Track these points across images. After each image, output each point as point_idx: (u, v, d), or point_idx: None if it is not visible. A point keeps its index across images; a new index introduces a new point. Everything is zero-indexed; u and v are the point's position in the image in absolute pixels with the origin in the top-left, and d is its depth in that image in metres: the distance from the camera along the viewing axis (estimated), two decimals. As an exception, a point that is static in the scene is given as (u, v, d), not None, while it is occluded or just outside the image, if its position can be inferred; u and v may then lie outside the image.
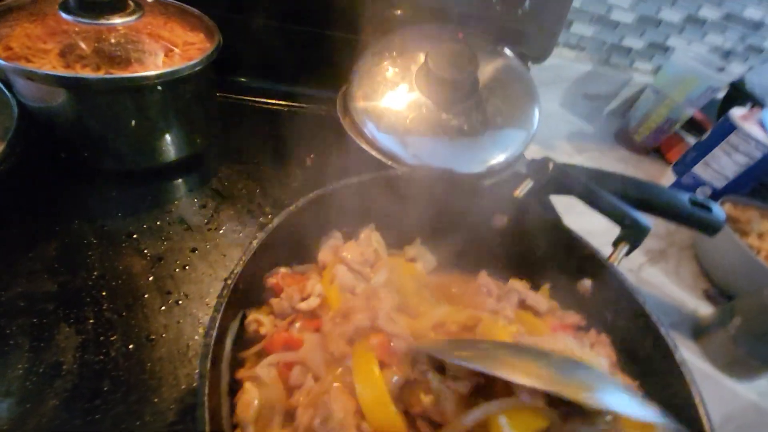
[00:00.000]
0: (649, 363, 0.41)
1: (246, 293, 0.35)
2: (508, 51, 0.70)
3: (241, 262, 0.32)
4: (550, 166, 0.56)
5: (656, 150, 1.04)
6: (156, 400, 0.40)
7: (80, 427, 0.37)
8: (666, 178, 0.88)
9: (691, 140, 0.96)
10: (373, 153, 0.57)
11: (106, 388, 0.40)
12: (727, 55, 1.01)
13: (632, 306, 0.42)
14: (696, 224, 0.53)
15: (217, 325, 0.27)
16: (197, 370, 0.27)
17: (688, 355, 0.59)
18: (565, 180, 0.55)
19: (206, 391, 0.24)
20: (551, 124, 1.04)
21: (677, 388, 0.38)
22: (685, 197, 0.54)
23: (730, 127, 0.75)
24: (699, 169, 0.81)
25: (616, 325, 0.44)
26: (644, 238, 0.51)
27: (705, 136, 0.82)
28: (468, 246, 0.51)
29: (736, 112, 0.77)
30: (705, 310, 0.67)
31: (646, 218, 0.51)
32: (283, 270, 0.39)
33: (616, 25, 1.01)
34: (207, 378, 0.25)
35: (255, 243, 0.34)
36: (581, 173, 0.59)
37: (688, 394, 0.37)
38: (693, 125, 0.98)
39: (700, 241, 0.75)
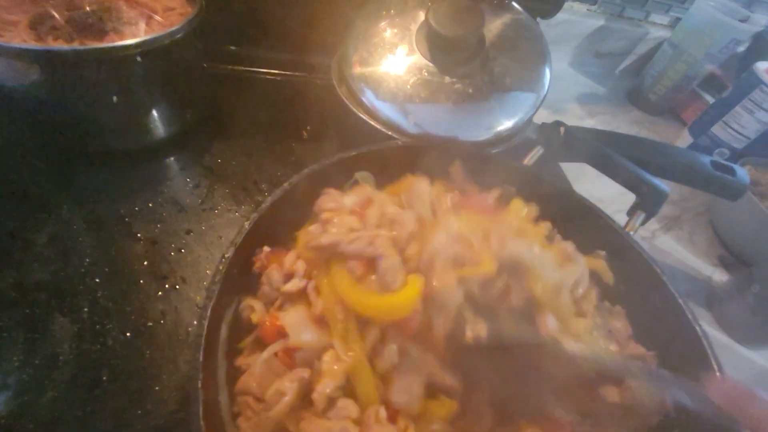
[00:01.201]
0: (667, 334, 0.39)
1: (241, 278, 0.33)
2: (515, 4, 0.64)
3: (233, 246, 0.29)
4: (562, 130, 0.53)
5: (672, 110, 0.99)
6: (157, 388, 0.40)
7: (80, 418, 0.37)
8: (682, 139, 0.84)
9: (710, 99, 0.91)
10: (373, 123, 0.54)
11: (105, 378, 0.39)
12: (749, 3, 0.94)
13: (650, 277, 0.40)
14: (717, 189, 0.50)
15: (208, 315, 0.25)
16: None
17: (701, 323, 0.58)
18: (578, 145, 0.52)
19: (200, 385, 0.23)
20: (560, 86, 0.98)
21: (695, 359, 0.36)
22: (706, 159, 0.51)
23: (754, 82, 0.70)
24: (717, 130, 0.76)
25: (632, 296, 0.42)
26: (661, 206, 0.48)
27: (725, 94, 0.77)
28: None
29: (761, 66, 0.71)
30: (720, 277, 0.65)
31: (663, 183, 0.49)
32: (266, 249, 0.36)
33: (632, -26, 0.93)
34: (200, 371, 0.23)
35: (247, 225, 0.32)
36: (594, 137, 0.56)
37: (708, 366, 0.35)
38: (712, 82, 0.92)
39: (716, 206, 0.72)
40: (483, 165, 0.45)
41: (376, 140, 0.54)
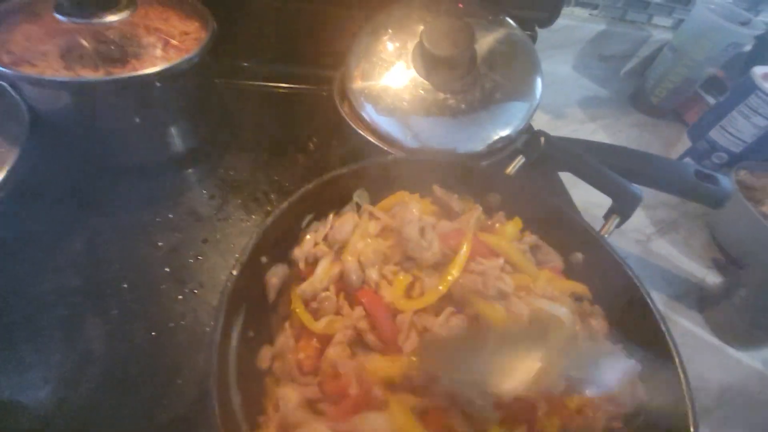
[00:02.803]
0: (638, 334, 0.41)
1: (248, 288, 0.37)
2: (509, 19, 0.67)
3: (238, 264, 0.34)
4: (542, 141, 0.55)
5: (675, 112, 1.00)
6: (179, 382, 0.44)
7: (113, 407, 0.42)
8: (682, 143, 0.85)
9: (712, 100, 0.91)
10: (371, 139, 0.57)
11: (133, 373, 0.44)
12: (755, 4, 0.94)
13: (621, 277, 0.43)
14: (700, 197, 0.52)
15: (220, 325, 0.29)
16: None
17: (692, 326, 0.60)
18: (558, 154, 0.55)
19: (216, 389, 0.27)
20: (563, 90, 1.00)
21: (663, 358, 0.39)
22: (690, 169, 0.53)
23: (750, 87, 0.71)
24: (715, 134, 0.78)
25: (607, 297, 0.45)
26: (635, 209, 0.50)
27: (723, 98, 0.78)
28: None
29: (758, 71, 0.72)
30: (712, 279, 0.66)
31: (638, 188, 0.51)
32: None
33: (633, -22, 0.94)
34: (216, 376, 0.27)
35: (251, 243, 0.36)
36: (578, 147, 0.58)
37: (673, 366, 0.37)
38: (714, 84, 0.93)
39: (713, 210, 0.73)
40: (468, 176, 0.49)
41: (375, 153, 0.58)
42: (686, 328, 0.60)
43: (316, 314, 0.40)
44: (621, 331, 0.42)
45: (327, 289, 0.40)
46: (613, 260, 0.41)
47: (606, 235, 0.46)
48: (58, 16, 0.52)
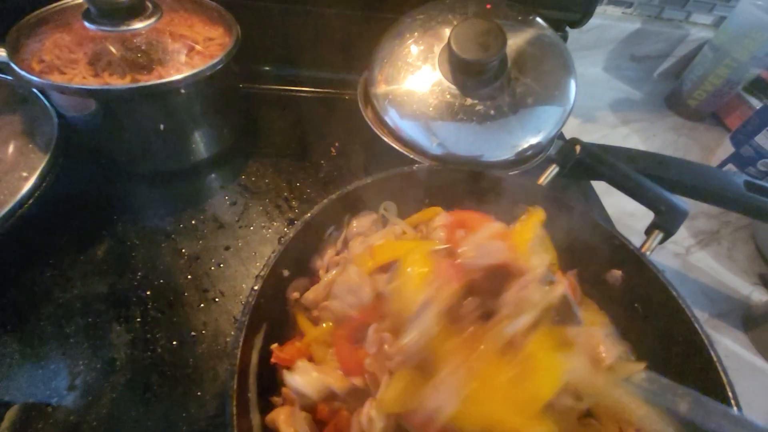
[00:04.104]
0: (683, 359, 0.39)
1: (269, 306, 0.36)
2: (539, 20, 0.64)
3: (260, 279, 0.33)
4: (577, 149, 0.53)
5: (714, 115, 0.94)
6: (199, 393, 0.44)
7: (134, 418, 0.42)
8: (723, 149, 0.80)
9: (757, 103, 0.86)
10: (395, 145, 0.56)
11: (155, 382, 0.44)
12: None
13: (667, 299, 0.40)
14: (753, 211, 0.48)
15: (240, 344, 0.28)
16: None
17: (736, 346, 0.56)
18: (594, 164, 0.52)
19: (234, 411, 0.26)
20: (593, 92, 0.96)
21: (712, 386, 0.36)
22: (740, 180, 0.50)
23: (804, 90, 0.66)
24: (762, 139, 0.72)
25: (649, 319, 0.42)
26: (680, 225, 0.47)
27: (772, 100, 0.73)
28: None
29: (812, 72, 0.67)
30: (759, 297, 0.62)
31: (684, 202, 0.47)
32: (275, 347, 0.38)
33: (671, -27, 0.89)
34: (234, 399, 0.26)
35: (273, 256, 0.35)
36: (615, 155, 0.55)
37: (723, 393, 0.35)
38: (759, 86, 0.87)
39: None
40: (497, 186, 0.46)
41: (398, 160, 0.57)
42: (730, 349, 0.56)
43: (317, 323, 0.40)
44: (663, 358, 0.39)
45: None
46: (658, 282, 0.38)
47: (648, 253, 0.43)
48: (87, 24, 0.52)
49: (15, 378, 0.43)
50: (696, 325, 0.37)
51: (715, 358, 0.36)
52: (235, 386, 0.27)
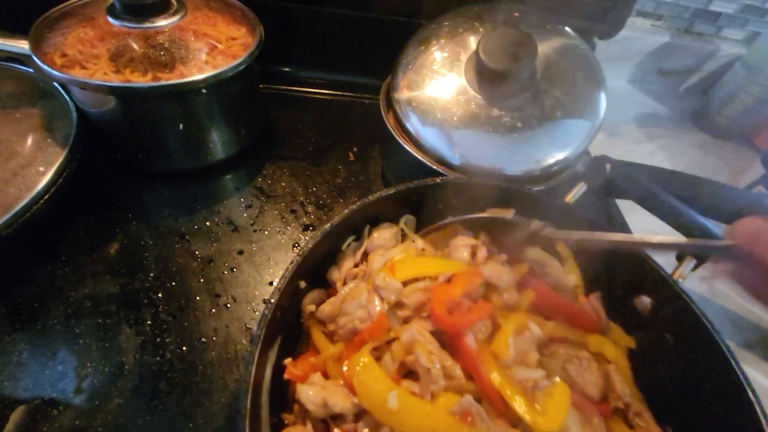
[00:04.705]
0: (716, 397, 0.37)
1: (284, 319, 0.35)
2: (569, 29, 0.62)
3: (277, 291, 0.31)
4: (608, 167, 0.51)
5: (743, 135, 0.91)
6: (207, 403, 0.43)
7: (140, 426, 0.41)
8: (753, 170, 0.77)
9: (789, 124, 0.83)
10: (416, 154, 0.54)
11: (162, 390, 0.43)
12: None
13: (700, 331, 0.38)
14: (790, 239, 0.46)
15: (255, 360, 0.27)
16: (240, 403, 0.28)
17: (764, 380, 0.53)
18: (624, 183, 0.50)
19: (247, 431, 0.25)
20: (618, 106, 0.94)
21: (747, 427, 0.34)
22: (777, 206, 0.47)
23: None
24: (796, 162, 0.70)
25: (679, 349, 0.40)
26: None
27: (808, 122, 0.70)
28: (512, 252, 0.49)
29: None
30: (790, 327, 0.59)
31: (718, 227, 0.45)
32: (289, 362, 0.37)
33: (704, -13, 0.86)
34: (247, 419, 0.25)
35: (290, 267, 0.33)
36: (645, 174, 0.53)
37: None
38: (792, 106, 0.84)
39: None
40: (523, 201, 0.45)
41: (418, 168, 0.55)
42: (758, 383, 0.53)
43: (332, 337, 0.38)
44: (693, 393, 0.37)
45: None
46: (691, 313, 0.36)
47: (681, 280, 0.41)
48: (111, 20, 0.52)
49: (22, 377, 0.42)
50: (732, 363, 0.35)
51: (753, 399, 0.33)
52: (248, 405, 0.26)
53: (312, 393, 0.32)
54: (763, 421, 0.33)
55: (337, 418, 0.33)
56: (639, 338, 0.43)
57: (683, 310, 0.39)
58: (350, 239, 0.44)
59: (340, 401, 0.32)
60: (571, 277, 0.45)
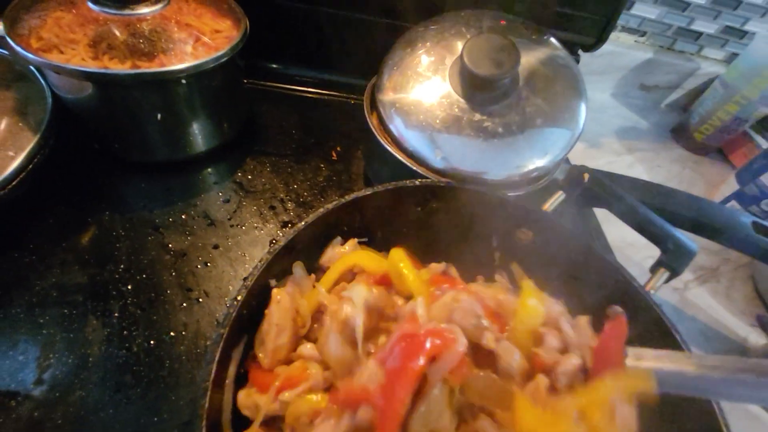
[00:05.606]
0: (681, 400, 0.37)
1: (252, 317, 0.34)
2: (554, 40, 0.63)
3: (244, 289, 0.31)
4: (586, 177, 0.51)
5: (719, 151, 0.94)
6: (173, 398, 0.42)
7: (103, 419, 0.39)
8: (727, 185, 0.79)
9: (763, 142, 0.85)
10: (398, 155, 0.54)
11: (128, 383, 0.42)
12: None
13: (668, 343, 0.39)
14: (758, 252, 0.47)
15: (217, 357, 0.27)
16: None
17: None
18: (601, 193, 0.51)
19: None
20: (600, 118, 0.96)
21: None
22: (747, 220, 0.48)
23: (812, 133, 0.66)
24: (767, 179, 0.72)
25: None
26: (687, 264, 0.46)
27: (779, 141, 0.73)
28: (486, 259, 0.49)
29: (822, 116, 0.67)
30: (756, 340, 0.61)
31: (691, 241, 0.46)
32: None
33: (686, 6, 0.89)
34: (203, 419, 0.24)
35: (259, 265, 0.33)
36: (622, 185, 0.54)
37: None
38: (767, 125, 0.87)
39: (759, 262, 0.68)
40: (500, 207, 0.45)
41: (400, 169, 0.55)
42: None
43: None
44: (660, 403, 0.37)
45: None
46: (662, 325, 0.37)
47: (652, 292, 0.42)
48: (91, 5, 0.51)
49: (-21, 366, 0.41)
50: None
51: (715, 408, 0.34)
52: (207, 404, 0.25)
53: (242, 396, 0.32)
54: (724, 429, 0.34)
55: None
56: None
57: (654, 322, 0.40)
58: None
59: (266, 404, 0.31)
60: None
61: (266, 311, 0.35)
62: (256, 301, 0.33)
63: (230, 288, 0.51)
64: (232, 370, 0.31)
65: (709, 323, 0.62)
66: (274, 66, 0.78)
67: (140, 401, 0.41)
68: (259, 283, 0.34)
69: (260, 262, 0.32)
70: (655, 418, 0.34)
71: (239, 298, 0.30)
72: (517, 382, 0.30)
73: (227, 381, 0.30)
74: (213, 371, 0.27)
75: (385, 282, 0.39)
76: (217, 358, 0.27)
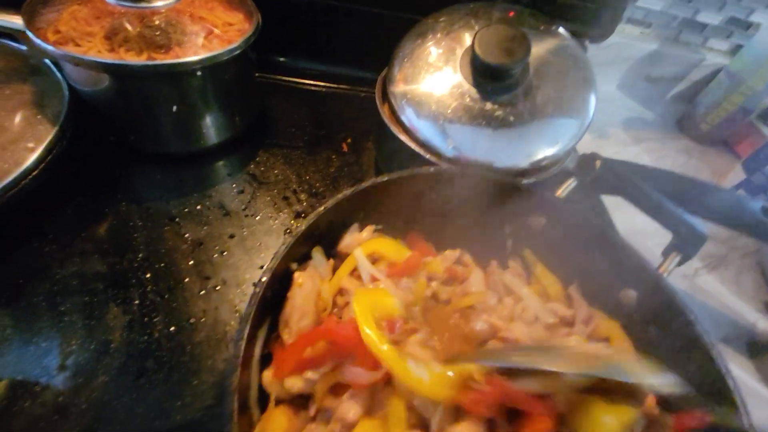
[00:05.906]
0: (697, 387, 0.38)
1: (275, 299, 0.35)
2: (562, 30, 0.63)
3: (268, 272, 0.31)
4: (597, 164, 0.52)
5: (725, 141, 0.94)
6: (195, 382, 0.43)
7: (126, 404, 0.40)
8: (734, 174, 0.80)
9: (768, 132, 0.86)
10: (410, 144, 0.55)
11: (150, 368, 0.43)
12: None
13: (683, 324, 0.39)
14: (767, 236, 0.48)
15: (245, 336, 0.27)
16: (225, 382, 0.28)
17: (741, 373, 0.55)
18: (614, 180, 0.51)
19: (235, 407, 0.25)
20: (607, 109, 0.96)
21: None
22: (757, 205, 0.49)
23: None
24: (775, 167, 0.72)
25: (661, 344, 0.41)
26: (699, 248, 0.47)
27: (786, 130, 0.73)
28: (499, 246, 0.50)
29: (829, 104, 0.67)
30: (764, 325, 0.61)
31: (703, 225, 0.47)
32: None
33: (691, -2, 0.89)
34: (235, 395, 0.25)
35: (282, 248, 0.33)
36: (634, 171, 0.54)
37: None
38: (772, 115, 0.87)
39: (767, 248, 0.68)
40: (513, 193, 0.46)
41: (412, 159, 0.56)
42: (735, 374, 0.55)
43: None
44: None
45: None
46: (676, 306, 0.37)
47: (665, 274, 0.42)
48: (107, -2, 0.51)
49: (4, 353, 0.41)
50: (714, 354, 0.36)
51: (732, 387, 0.35)
52: (236, 382, 0.26)
53: (267, 375, 0.33)
54: (742, 410, 0.35)
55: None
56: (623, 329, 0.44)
57: (669, 304, 0.40)
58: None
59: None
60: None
61: (288, 294, 0.36)
62: (278, 284, 0.34)
63: (247, 276, 0.51)
64: (257, 350, 0.32)
65: (719, 308, 0.62)
66: (285, 60, 0.79)
67: (163, 386, 0.42)
68: (281, 267, 0.34)
69: (283, 245, 0.33)
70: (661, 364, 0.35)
71: (264, 279, 0.31)
72: None
73: (253, 360, 0.31)
74: (242, 348, 0.27)
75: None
76: (246, 335, 0.27)
